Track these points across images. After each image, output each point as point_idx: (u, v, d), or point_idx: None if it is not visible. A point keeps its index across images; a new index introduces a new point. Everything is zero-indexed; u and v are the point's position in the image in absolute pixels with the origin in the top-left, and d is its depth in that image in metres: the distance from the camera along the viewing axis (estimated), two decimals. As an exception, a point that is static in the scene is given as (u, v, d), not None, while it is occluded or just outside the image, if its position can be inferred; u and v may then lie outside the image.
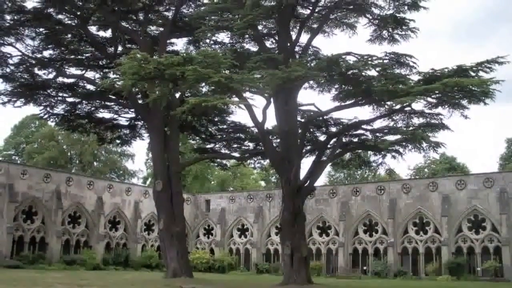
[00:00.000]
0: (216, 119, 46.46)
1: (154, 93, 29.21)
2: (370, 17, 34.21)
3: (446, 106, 29.62)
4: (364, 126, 34.23)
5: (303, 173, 33.81)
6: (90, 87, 44.99)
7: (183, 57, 27.34)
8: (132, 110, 45.30)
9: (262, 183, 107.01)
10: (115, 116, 47.59)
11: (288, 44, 33.82)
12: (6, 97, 43.29)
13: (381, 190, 55.82)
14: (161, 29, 43.61)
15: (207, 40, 40.57)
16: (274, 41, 36.18)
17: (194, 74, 25.50)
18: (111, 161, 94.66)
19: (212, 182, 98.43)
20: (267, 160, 42.82)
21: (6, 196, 49.04)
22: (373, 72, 29.15)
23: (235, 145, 46.46)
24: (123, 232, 60.51)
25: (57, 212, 52.89)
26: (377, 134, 34.84)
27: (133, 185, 66.70)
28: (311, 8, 34.11)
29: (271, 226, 61.83)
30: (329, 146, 35.18)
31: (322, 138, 37.67)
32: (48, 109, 46.11)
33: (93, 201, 57.21)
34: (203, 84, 28.91)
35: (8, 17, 40.72)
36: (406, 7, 32.58)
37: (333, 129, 36.57)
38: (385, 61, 30.17)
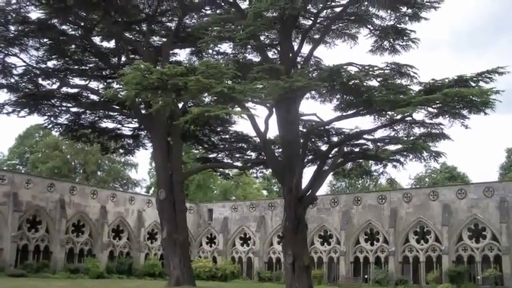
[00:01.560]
0: (218, 129, 46.64)
1: (157, 103, 29.36)
2: (371, 28, 34.32)
3: (447, 116, 29.70)
4: (365, 136, 34.29)
5: (305, 182, 33.92)
6: (93, 97, 45.17)
7: (186, 67, 27.54)
8: (135, 120, 45.54)
9: (264, 192, 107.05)
10: (119, 126, 47.82)
11: (290, 55, 33.86)
12: (10, 107, 43.48)
13: (382, 199, 56.06)
14: (164, 39, 43.79)
15: (210, 51, 40.76)
16: (276, 51, 36.26)
17: (196, 84, 25.66)
18: (115, 171, 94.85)
19: (215, 191, 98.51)
20: (269, 170, 42.99)
21: (10, 205, 49.41)
22: (374, 82, 29.34)
23: (237, 155, 46.59)
24: (127, 240, 60.76)
25: (61, 221, 53.25)
26: (378, 143, 34.92)
27: (136, 194, 67.03)
28: (312, 19, 34.23)
29: (273, 235, 62.05)
30: (330, 155, 35.22)
31: (324, 147, 37.77)
32: (52, 119, 46.32)
33: (96, 210, 57.55)
34: (206, 94, 29.00)
35: (12, 27, 40.92)
36: (407, 18, 32.69)
37: (335, 139, 36.71)
38: (386, 71, 30.29)
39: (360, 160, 39.21)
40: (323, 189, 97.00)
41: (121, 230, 60.75)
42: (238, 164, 45.97)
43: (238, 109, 29.22)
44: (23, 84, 43.78)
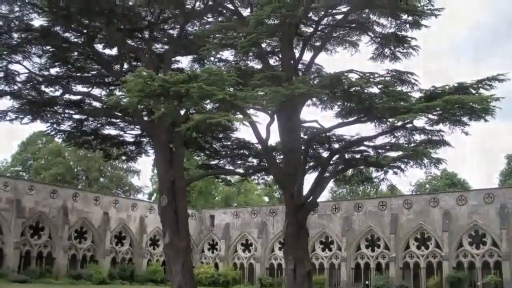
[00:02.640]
0: (220, 136, 46.58)
1: (159, 110, 29.42)
2: (372, 35, 34.30)
3: (447, 122, 29.68)
4: (366, 143, 34.23)
5: (306, 189, 33.94)
6: (96, 104, 45.10)
7: (188, 74, 27.50)
8: (138, 126, 45.47)
9: (266, 198, 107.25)
10: (121, 132, 47.68)
11: (291, 62, 33.83)
12: (13, 114, 43.36)
13: (383, 206, 56.26)
14: (166, 47, 43.86)
15: (212, 58, 40.86)
16: (277, 58, 36.28)
17: (198, 91, 25.69)
18: (117, 177, 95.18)
19: (217, 198, 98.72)
20: (271, 176, 42.94)
21: (13, 211, 49.67)
22: (375, 90, 29.29)
23: (239, 161, 46.51)
24: (129, 247, 61.01)
25: (63, 227, 53.51)
26: (379, 150, 34.87)
27: (138, 201, 67.40)
28: (314, 26, 34.28)
29: (275, 241, 62.24)
30: (332, 162, 35.25)
31: (325, 154, 37.71)
32: (55, 125, 46.20)
33: (99, 217, 57.78)
34: (208, 101, 29.10)
35: (15, 35, 40.91)
36: (407, 26, 32.70)
37: (336, 146, 36.67)
38: (387, 78, 30.20)
39: (361, 167, 39.24)
40: (324, 196, 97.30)
41: (124, 236, 60.97)
42: (240, 170, 45.88)
43: (240, 116, 29.29)
44: (26, 91, 43.71)
